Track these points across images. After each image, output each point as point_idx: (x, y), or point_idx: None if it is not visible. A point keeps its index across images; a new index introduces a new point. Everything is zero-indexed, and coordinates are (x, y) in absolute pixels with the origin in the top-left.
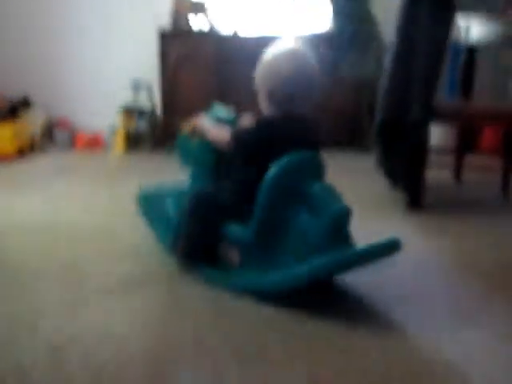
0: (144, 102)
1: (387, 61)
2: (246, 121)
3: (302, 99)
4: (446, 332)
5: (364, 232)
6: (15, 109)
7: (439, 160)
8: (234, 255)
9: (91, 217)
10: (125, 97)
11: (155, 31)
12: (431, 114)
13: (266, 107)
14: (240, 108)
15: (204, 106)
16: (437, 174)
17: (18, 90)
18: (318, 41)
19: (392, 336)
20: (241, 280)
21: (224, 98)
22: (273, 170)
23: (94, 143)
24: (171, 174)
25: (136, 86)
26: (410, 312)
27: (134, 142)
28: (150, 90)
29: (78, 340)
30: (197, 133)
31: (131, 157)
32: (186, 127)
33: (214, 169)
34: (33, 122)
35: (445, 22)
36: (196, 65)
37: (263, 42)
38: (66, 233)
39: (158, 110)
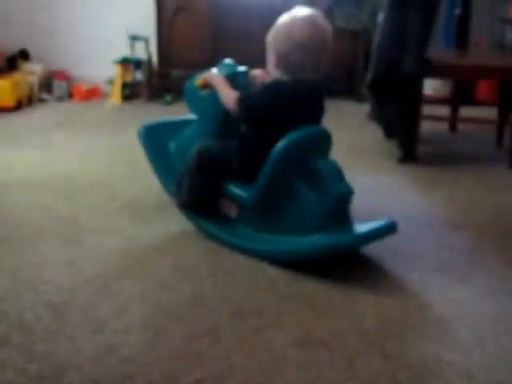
0: (141, 53)
1: (380, 16)
2: (259, 76)
3: (313, 65)
4: (438, 289)
5: (359, 184)
6: (14, 61)
7: (435, 111)
8: (232, 209)
9: (89, 170)
10: (122, 49)
11: None
12: (424, 67)
13: (275, 70)
14: (236, 61)
15: (200, 57)
16: (432, 125)
17: (16, 44)
18: None
19: (387, 294)
20: (236, 238)
21: (219, 50)
22: (282, 144)
23: (92, 94)
24: None
25: (133, 38)
26: (402, 268)
27: (130, 92)
28: (146, 41)
29: (79, 296)
30: (207, 86)
31: (128, 107)
32: (197, 80)
33: (221, 123)
34: (31, 74)
35: None
36: (192, 17)
37: None
38: (64, 187)
39: (155, 62)
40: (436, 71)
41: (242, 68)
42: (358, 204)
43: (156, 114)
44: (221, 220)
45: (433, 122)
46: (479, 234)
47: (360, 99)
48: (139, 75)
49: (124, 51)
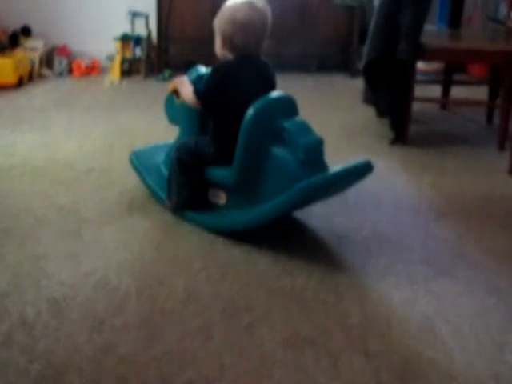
0: (141, 30)
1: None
2: None
3: (256, 44)
4: (423, 282)
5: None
6: (16, 37)
7: (426, 89)
8: (220, 197)
9: (88, 154)
10: (122, 25)
11: None
12: (418, 51)
13: (222, 51)
14: None
15: (199, 33)
16: (423, 104)
17: (18, 19)
18: None
19: (372, 288)
20: (226, 219)
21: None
22: (250, 112)
23: (91, 70)
24: (163, 102)
25: (133, 14)
26: (389, 259)
27: (129, 68)
28: (146, 18)
29: (78, 291)
30: (179, 95)
31: (126, 84)
32: (168, 87)
33: (198, 126)
34: (33, 51)
35: None
36: None
37: None
38: (65, 173)
39: (154, 38)
40: (428, 55)
41: (205, 69)
42: (348, 190)
43: (154, 91)
44: (210, 210)
45: (423, 102)
46: (464, 222)
47: (354, 74)
48: (138, 51)
49: (124, 27)
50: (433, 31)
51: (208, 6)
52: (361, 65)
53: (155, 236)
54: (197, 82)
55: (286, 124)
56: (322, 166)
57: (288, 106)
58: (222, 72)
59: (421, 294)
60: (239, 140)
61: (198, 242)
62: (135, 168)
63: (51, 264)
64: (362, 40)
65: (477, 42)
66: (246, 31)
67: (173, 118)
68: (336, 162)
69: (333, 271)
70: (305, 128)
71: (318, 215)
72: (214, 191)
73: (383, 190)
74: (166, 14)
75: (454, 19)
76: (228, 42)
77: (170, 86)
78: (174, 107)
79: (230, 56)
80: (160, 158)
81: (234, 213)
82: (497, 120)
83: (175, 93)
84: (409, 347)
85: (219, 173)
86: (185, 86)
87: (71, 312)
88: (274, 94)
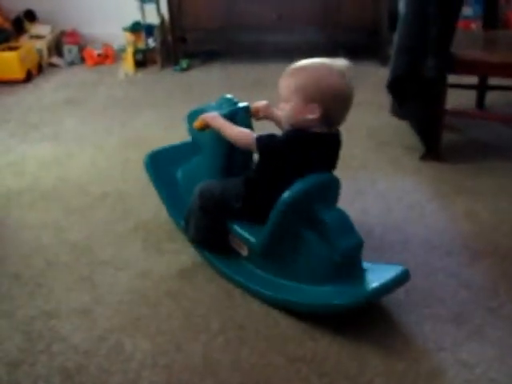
0: (151, 16)
1: (401, 4)
2: (262, 108)
3: (343, 120)
4: (452, 347)
5: (378, 190)
6: (20, 23)
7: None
8: (243, 249)
9: (102, 174)
10: (132, 10)
11: None
12: (448, 67)
13: (297, 119)
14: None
15: (213, 21)
16: (456, 101)
17: (20, 3)
18: None
19: (398, 355)
20: (247, 280)
21: (234, 13)
22: (289, 193)
23: (104, 59)
24: (182, 99)
25: (143, 0)
26: (417, 315)
27: (144, 58)
28: (157, 3)
29: (92, 358)
30: (207, 127)
31: (142, 76)
32: (196, 123)
33: (226, 159)
34: (39, 39)
35: None
36: None
37: None
38: (78, 199)
39: (166, 25)
40: (460, 69)
41: (242, 104)
42: (374, 218)
43: (171, 84)
44: (231, 258)
45: (458, 96)
46: (500, 267)
47: (384, 61)
48: (151, 41)
49: (133, 12)
50: (466, 34)
51: None
52: (387, 80)
53: (172, 285)
54: (230, 119)
55: (326, 217)
56: (357, 268)
57: (330, 190)
58: (297, 147)
59: (449, 363)
60: (271, 217)
61: (216, 292)
62: (150, 176)
63: (64, 323)
64: (391, 25)
65: None
66: (345, 105)
67: (196, 137)
68: (362, 179)
69: (356, 333)
70: (345, 224)
71: None
72: (237, 240)
73: (412, 222)
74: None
75: (490, 18)
76: (325, 115)
77: (197, 122)
78: (199, 134)
79: (316, 128)
80: (178, 163)
81: (254, 272)
82: None
83: (203, 128)
84: None
85: (243, 234)
86: (229, 127)
87: None
88: (318, 176)
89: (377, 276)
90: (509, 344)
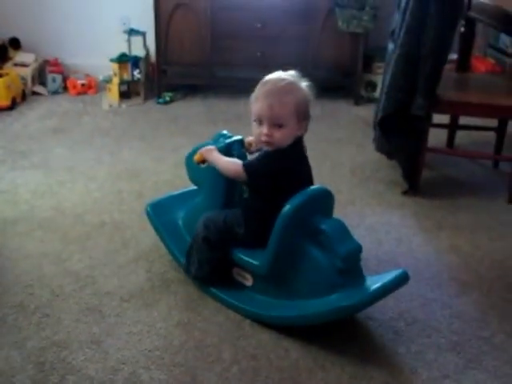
0: (137, 49)
1: (390, 46)
2: (254, 143)
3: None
4: (453, 375)
5: (367, 224)
6: (5, 50)
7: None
8: (247, 279)
9: (97, 203)
10: (118, 40)
11: None
12: (434, 107)
13: (289, 138)
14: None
15: (197, 55)
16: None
17: (6, 31)
18: None
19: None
20: (253, 307)
21: (217, 48)
22: (287, 208)
23: (88, 88)
24: (167, 131)
25: (130, 32)
26: (419, 345)
27: (128, 89)
28: (144, 36)
29: None
30: (206, 161)
31: (126, 108)
32: (196, 156)
33: (225, 194)
34: (24, 66)
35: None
36: (191, 14)
37: None
38: (75, 229)
39: (152, 58)
40: (442, 108)
41: (236, 137)
42: (367, 251)
43: (155, 116)
44: (236, 289)
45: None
46: (487, 299)
47: (358, 101)
48: (136, 73)
49: (120, 42)
50: (443, 76)
51: (207, 27)
52: (377, 117)
53: (181, 316)
54: (225, 152)
55: (325, 226)
56: (359, 274)
57: (325, 202)
58: (280, 162)
59: None
60: (273, 235)
61: (225, 322)
62: (152, 223)
63: (76, 354)
64: (365, 67)
65: (491, 95)
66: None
67: (195, 180)
68: (351, 214)
69: (365, 363)
70: (343, 232)
71: None
72: (240, 271)
73: (401, 255)
74: (165, 34)
75: (463, 62)
76: (307, 123)
77: (197, 155)
78: (196, 168)
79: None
80: (178, 211)
81: (260, 301)
82: (503, 165)
83: (202, 162)
84: None
85: (247, 259)
86: (222, 160)
87: None
88: (313, 189)
89: (378, 278)
90: (505, 372)
